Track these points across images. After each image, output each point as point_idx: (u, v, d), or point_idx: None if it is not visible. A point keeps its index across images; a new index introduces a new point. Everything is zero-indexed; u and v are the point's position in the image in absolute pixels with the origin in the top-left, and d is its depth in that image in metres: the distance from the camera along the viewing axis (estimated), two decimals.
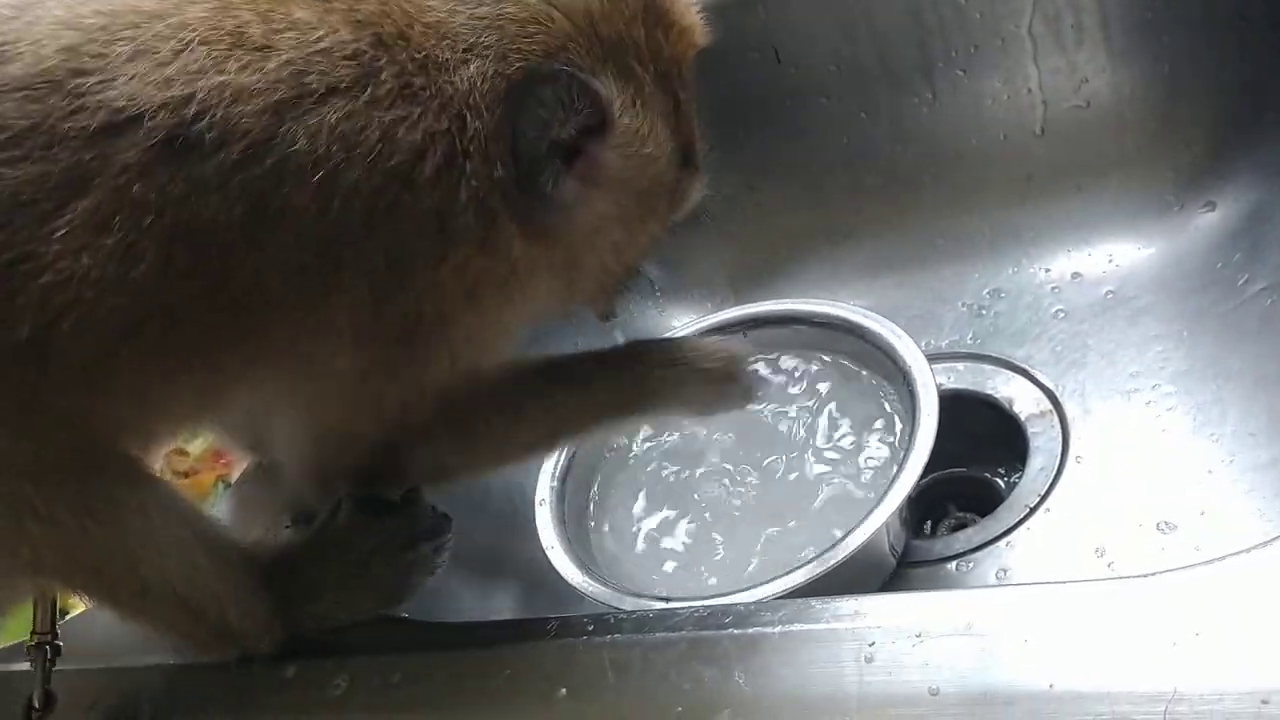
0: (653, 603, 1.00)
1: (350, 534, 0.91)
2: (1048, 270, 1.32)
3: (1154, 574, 0.69)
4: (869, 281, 1.42)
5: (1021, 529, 1.10)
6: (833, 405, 1.17)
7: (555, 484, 1.17)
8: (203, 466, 1.42)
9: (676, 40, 0.85)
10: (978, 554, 1.10)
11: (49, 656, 0.89)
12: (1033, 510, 1.11)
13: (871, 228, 1.42)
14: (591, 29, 0.79)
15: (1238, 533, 1.01)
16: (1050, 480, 1.13)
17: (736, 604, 0.80)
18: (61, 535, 0.76)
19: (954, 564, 1.10)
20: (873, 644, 0.71)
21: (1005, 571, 1.07)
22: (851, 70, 1.37)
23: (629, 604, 1.01)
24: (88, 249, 0.68)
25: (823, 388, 1.18)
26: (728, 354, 0.98)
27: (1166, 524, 1.04)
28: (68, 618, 1.00)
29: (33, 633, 0.91)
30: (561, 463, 1.18)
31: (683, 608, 0.80)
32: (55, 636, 0.89)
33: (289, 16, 0.73)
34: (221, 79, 0.69)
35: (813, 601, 0.76)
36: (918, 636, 0.70)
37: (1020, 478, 1.16)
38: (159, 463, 1.38)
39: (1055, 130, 1.33)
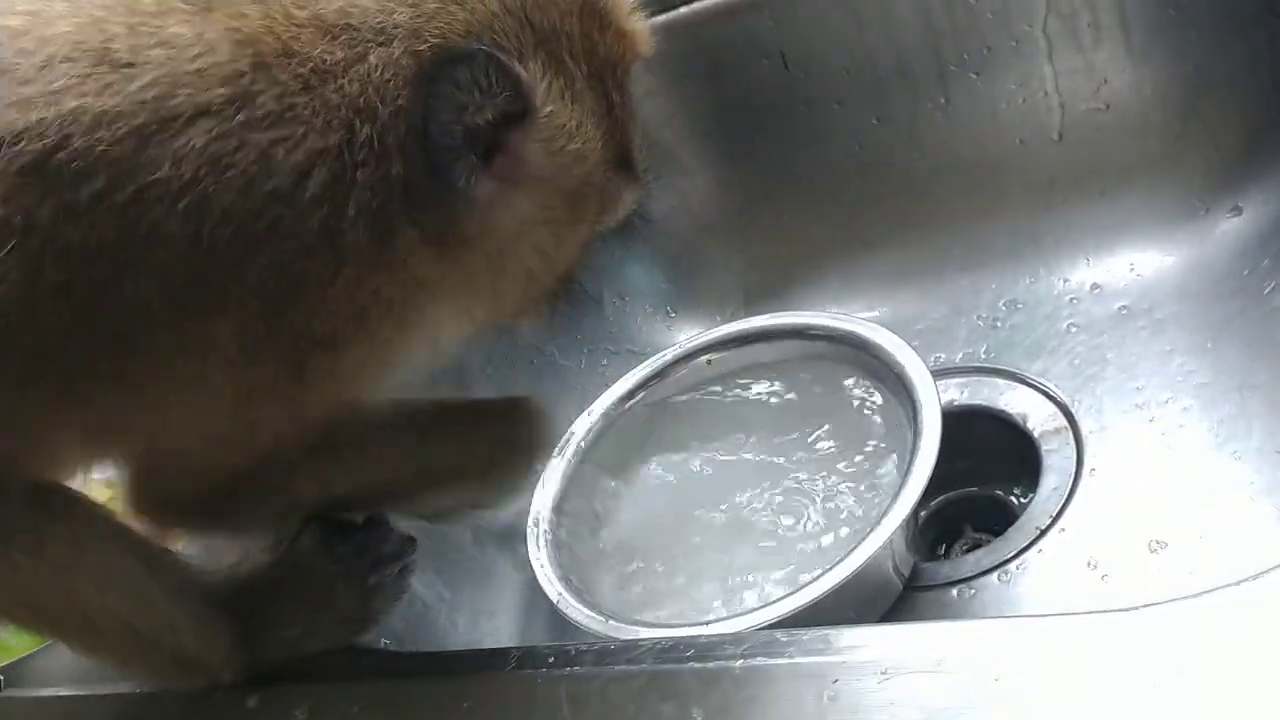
0: (641, 631, 0.96)
1: (313, 559, 0.88)
2: (1066, 280, 1.27)
3: (1136, 608, 0.65)
4: (883, 292, 1.37)
5: (1032, 551, 1.05)
6: (837, 423, 1.13)
7: (552, 508, 1.13)
8: None
9: (614, 42, 0.80)
10: (986, 577, 1.05)
11: None
12: (1044, 532, 1.06)
13: (886, 237, 1.38)
14: (522, 13, 0.75)
15: (1263, 557, 0.95)
16: (1063, 500, 1.08)
17: (699, 636, 0.76)
18: None
19: (962, 587, 1.05)
20: (836, 681, 0.67)
21: (1013, 594, 1.02)
22: (862, 75, 1.32)
23: (618, 632, 0.98)
24: None
25: (827, 405, 1.14)
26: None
27: (1183, 548, 0.98)
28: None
29: None
30: (559, 487, 1.15)
31: (644, 639, 0.77)
32: None
33: (161, 33, 0.69)
34: (78, 103, 0.66)
35: (778, 634, 0.72)
36: (884, 674, 0.66)
37: (1034, 497, 1.10)
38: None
39: (1074, 134, 1.27)
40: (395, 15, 0.71)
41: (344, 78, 0.70)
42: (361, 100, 0.70)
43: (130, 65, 0.68)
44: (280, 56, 0.70)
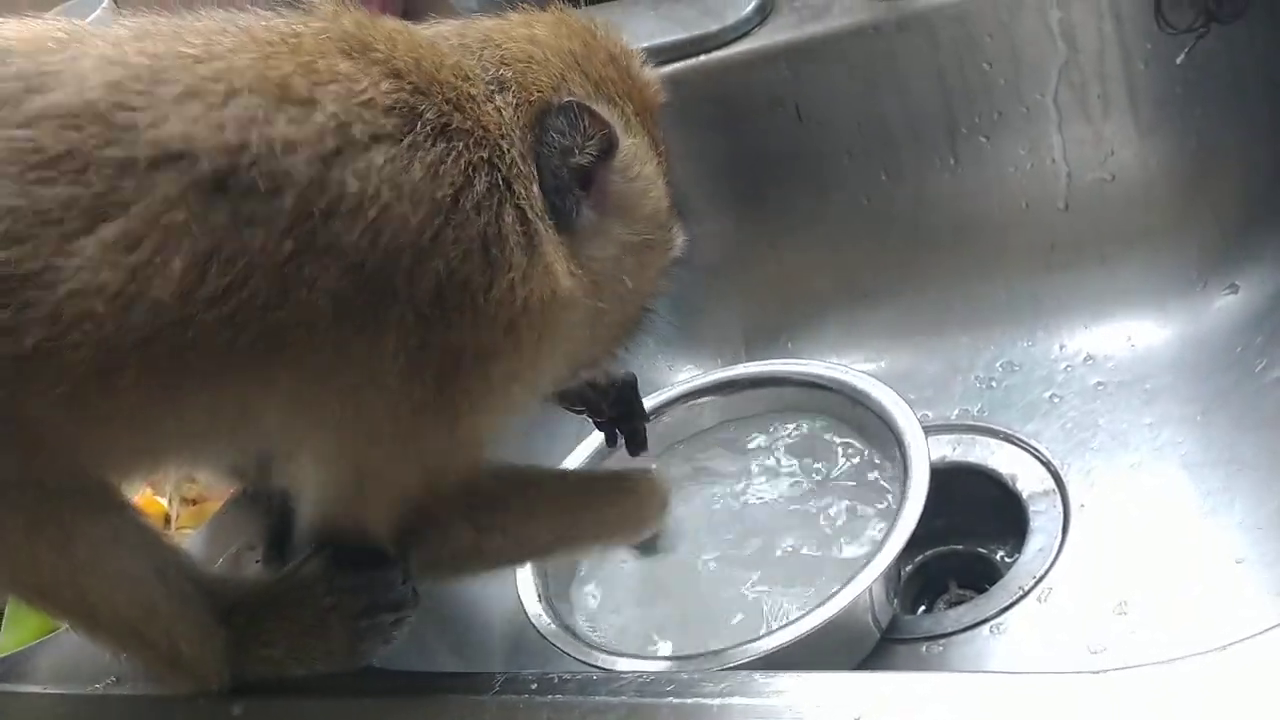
0: (619, 660, 0.97)
1: (313, 587, 0.89)
2: (1063, 346, 1.29)
3: (1112, 670, 0.66)
4: (883, 345, 1.39)
5: (1014, 610, 1.06)
6: (826, 472, 1.14)
7: None
8: (211, 495, 1.42)
9: (642, 89, 0.91)
10: (966, 634, 1.06)
11: None
12: (1027, 592, 1.07)
13: (889, 290, 1.40)
14: (578, 65, 0.86)
15: (1243, 628, 0.96)
16: (1048, 562, 1.09)
17: (679, 672, 0.77)
18: (11, 553, 0.76)
19: (940, 643, 1.06)
20: None
21: (991, 652, 1.03)
22: (874, 130, 1.35)
23: (600, 661, 0.99)
24: (109, 265, 0.68)
25: (817, 453, 1.16)
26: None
27: (1164, 617, 1.00)
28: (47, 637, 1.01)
29: None
30: None
31: (627, 672, 0.78)
32: None
33: (333, 69, 0.75)
34: (272, 130, 0.71)
35: (755, 675, 0.73)
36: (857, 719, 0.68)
37: (1019, 557, 1.12)
38: (167, 489, 1.39)
39: (1079, 201, 1.30)
40: (501, 71, 0.83)
41: (486, 106, 0.80)
42: (503, 127, 0.80)
43: (310, 101, 0.73)
44: (431, 84, 0.78)
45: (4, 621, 1.10)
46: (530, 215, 0.79)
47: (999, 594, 1.09)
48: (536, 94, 0.82)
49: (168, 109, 0.70)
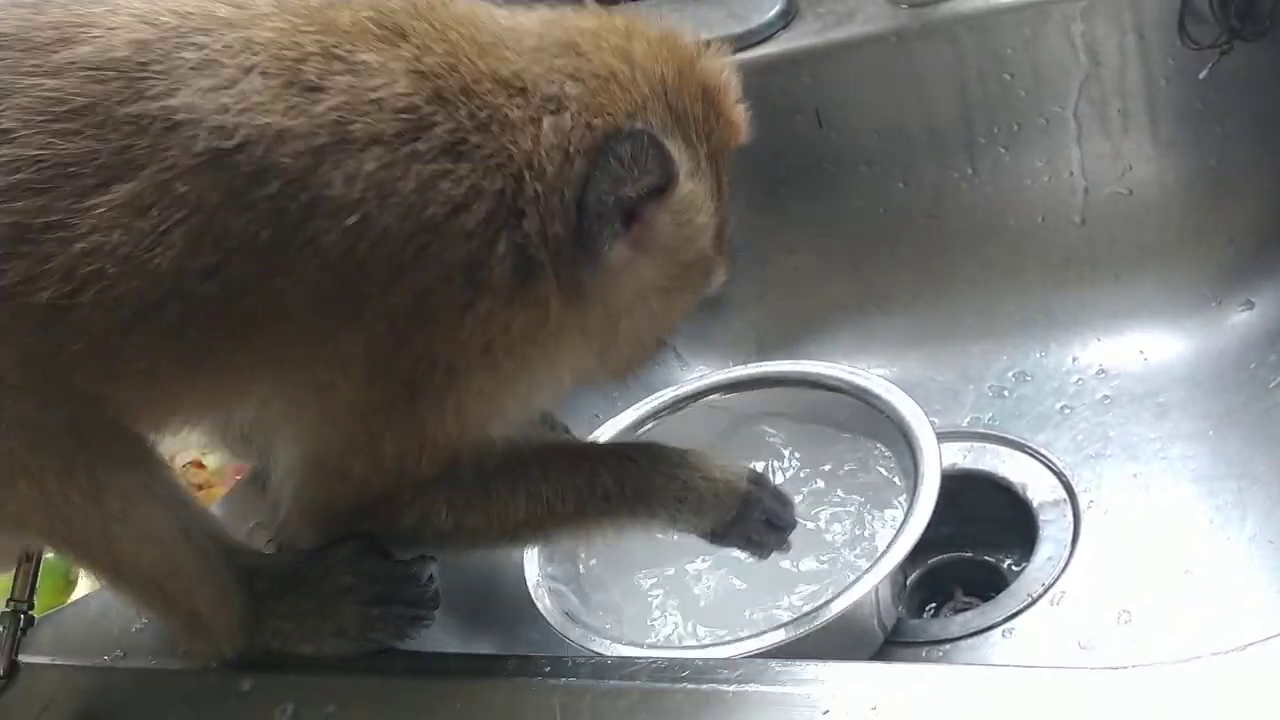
0: (625, 649, 0.97)
1: (336, 568, 0.89)
2: (1075, 358, 1.29)
3: (1126, 667, 0.66)
4: (896, 352, 1.39)
5: (1020, 618, 1.06)
6: (836, 474, 1.14)
7: None
8: (217, 481, 1.42)
9: (725, 128, 0.87)
10: (971, 640, 1.06)
11: (20, 625, 0.92)
12: (1034, 601, 1.07)
13: (903, 298, 1.40)
14: (665, 96, 0.82)
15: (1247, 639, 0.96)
16: (1056, 571, 1.09)
17: (694, 658, 0.77)
18: (46, 500, 0.77)
19: (945, 647, 1.06)
20: (827, 711, 0.69)
21: (995, 658, 1.03)
22: (893, 139, 1.36)
23: (604, 648, 0.98)
24: (120, 228, 0.70)
25: (829, 454, 1.16)
26: (738, 474, 0.95)
27: (1169, 630, 1.00)
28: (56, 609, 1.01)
29: (9, 599, 0.94)
30: None
31: (640, 657, 0.78)
32: (30, 606, 0.92)
33: (350, 58, 0.74)
34: (267, 120, 0.71)
35: (771, 663, 0.73)
36: (874, 709, 0.68)
37: (1027, 565, 1.12)
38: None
39: (1095, 215, 1.30)
40: (566, 87, 0.79)
41: (520, 132, 0.77)
42: (534, 158, 0.76)
43: (317, 90, 0.73)
44: (460, 94, 0.76)
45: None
46: (532, 250, 0.77)
47: (1006, 602, 1.09)
48: (604, 118, 0.78)
49: (181, 76, 0.72)
